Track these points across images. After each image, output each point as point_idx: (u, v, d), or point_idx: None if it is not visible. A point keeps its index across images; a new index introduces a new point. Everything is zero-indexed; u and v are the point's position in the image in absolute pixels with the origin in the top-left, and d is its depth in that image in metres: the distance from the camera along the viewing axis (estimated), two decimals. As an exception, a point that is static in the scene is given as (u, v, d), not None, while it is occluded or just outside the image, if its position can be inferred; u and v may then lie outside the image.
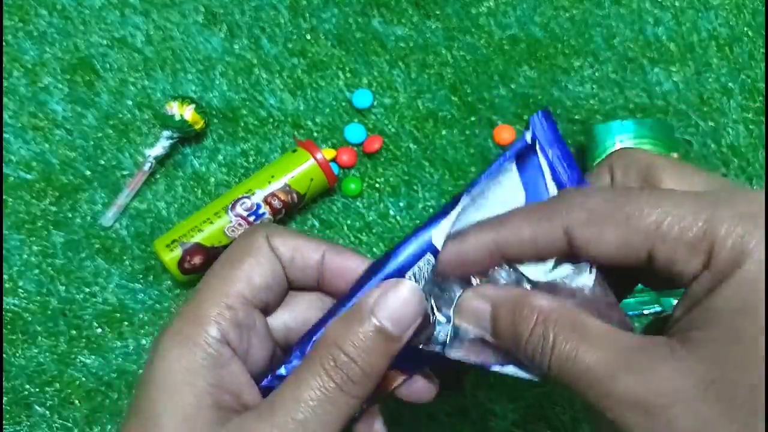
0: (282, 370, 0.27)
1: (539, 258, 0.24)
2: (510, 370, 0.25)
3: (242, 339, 0.26)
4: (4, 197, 0.57)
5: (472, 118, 0.59)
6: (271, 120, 0.60)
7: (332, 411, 0.24)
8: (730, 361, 0.19)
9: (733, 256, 0.20)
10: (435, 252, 0.26)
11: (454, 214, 0.26)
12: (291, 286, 0.29)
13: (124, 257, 0.56)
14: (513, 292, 0.24)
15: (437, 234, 0.26)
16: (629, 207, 0.22)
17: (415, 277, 0.27)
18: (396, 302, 0.25)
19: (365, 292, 0.25)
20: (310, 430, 0.24)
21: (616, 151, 0.26)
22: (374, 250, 0.56)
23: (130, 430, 0.25)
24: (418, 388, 0.29)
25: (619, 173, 0.25)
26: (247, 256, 0.27)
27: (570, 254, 0.23)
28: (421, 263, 0.26)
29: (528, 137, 0.26)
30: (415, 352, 0.27)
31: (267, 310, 0.29)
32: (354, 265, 0.28)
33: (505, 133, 0.58)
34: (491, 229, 0.25)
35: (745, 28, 0.61)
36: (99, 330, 0.54)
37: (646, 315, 0.53)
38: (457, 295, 0.26)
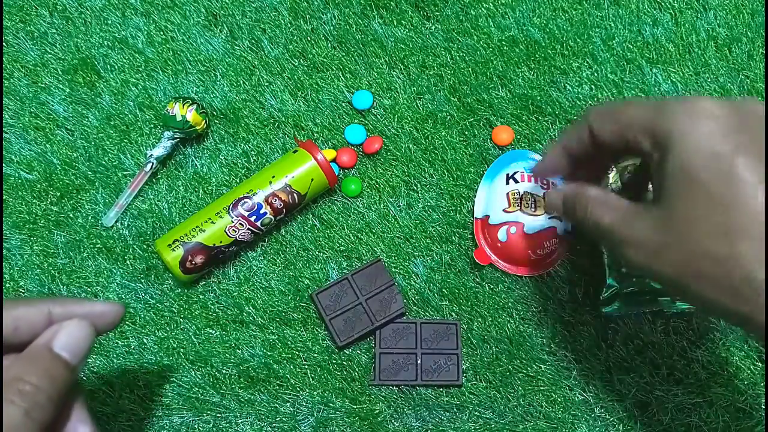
0: None
1: (586, 147, 0.40)
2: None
3: None
4: (5, 197, 0.57)
5: (471, 119, 0.60)
6: (271, 121, 0.60)
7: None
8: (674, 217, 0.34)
9: (665, 141, 0.34)
10: None
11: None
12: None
13: (126, 257, 0.56)
14: (576, 187, 0.41)
15: None
16: (619, 109, 0.37)
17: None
18: (71, 335, 0.32)
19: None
20: None
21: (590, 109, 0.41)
22: (374, 249, 0.56)
23: None
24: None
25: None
26: None
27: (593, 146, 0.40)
28: None
29: None
30: None
31: None
32: (80, 310, 0.35)
33: (503, 134, 0.59)
34: (559, 140, 0.43)
35: (744, 29, 0.62)
36: (100, 329, 0.55)
37: (646, 312, 0.54)
38: None
